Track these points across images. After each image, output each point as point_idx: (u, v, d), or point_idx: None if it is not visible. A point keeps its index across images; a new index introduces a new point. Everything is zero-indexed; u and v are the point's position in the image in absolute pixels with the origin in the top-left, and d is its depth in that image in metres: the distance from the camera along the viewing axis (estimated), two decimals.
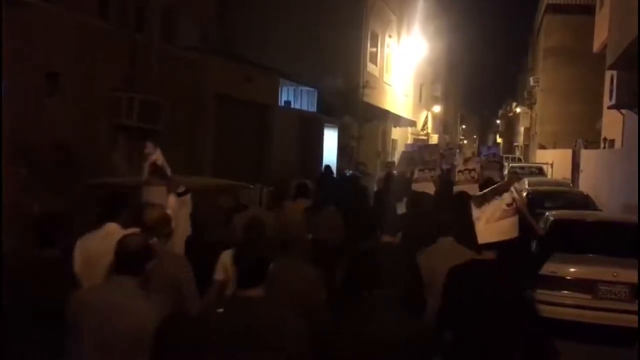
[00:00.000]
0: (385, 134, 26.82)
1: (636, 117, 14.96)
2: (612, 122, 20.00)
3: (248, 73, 13.27)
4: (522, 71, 57.10)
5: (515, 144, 59.11)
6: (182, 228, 4.93)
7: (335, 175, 13.57)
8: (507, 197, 4.01)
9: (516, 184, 6.27)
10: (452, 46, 45.15)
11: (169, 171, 5.16)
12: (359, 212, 8.09)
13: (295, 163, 16.11)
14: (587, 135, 26.66)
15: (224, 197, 6.58)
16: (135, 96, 9.12)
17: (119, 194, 5.10)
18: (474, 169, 9.06)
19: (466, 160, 9.45)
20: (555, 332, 6.87)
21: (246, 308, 2.97)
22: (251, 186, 7.98)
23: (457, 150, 20.32)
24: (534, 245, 6.32)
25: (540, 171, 24.52)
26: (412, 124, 30.30)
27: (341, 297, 3.82)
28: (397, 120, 26.67)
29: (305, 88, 19.35)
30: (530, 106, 45.07)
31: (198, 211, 5.41)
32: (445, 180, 10.11)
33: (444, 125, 46.97)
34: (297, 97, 19.49)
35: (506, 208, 3.95)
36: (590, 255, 7.46)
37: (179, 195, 5.11)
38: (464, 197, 8.23)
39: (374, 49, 23.22)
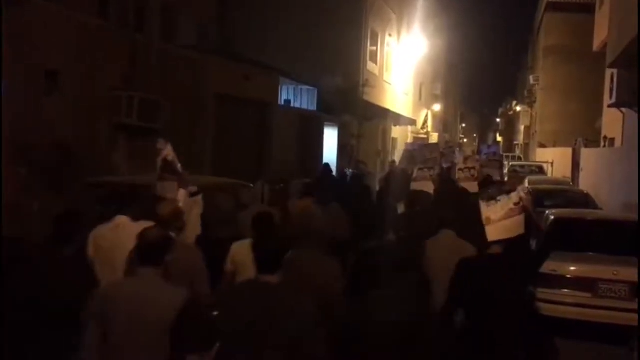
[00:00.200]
0: (386, 132, 26.79)
1: (636, 115, 14.94)
2: (612, 121, 19.99)
3: (247, 72, 13.26)
4: (522, 70, 57.06)
5: (515, 142, 59.08)
6: (194, 227, 5.09)
7: (335, 174, 13.56)
8: (514, 196, 4.34)
9: (521, 186, 6.41)
10: (452, 45, 45.11)
11: (179, 167, 5.35)
12: (362, 210, 8.17)
13: (295, 162, 16.10)
14: (587, 133, 26.65)
15: (224, 195, 6.58)
16: (135, 95, 9.12)
17: (128, 190, 5.39)
18: (473, 167, 9.35)
19: (466, 159, 9.64)
20: (556, 330, 6.89)
21: (263, 292, 3.19)
22: (251, 185, 7.99)
23: (457, 149, 20.34)
24: (534, 244, 6.35)
25: (540, 170, 24.48)
26: (412, 122, 30.26)
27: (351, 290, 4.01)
28: (397, 119, 26.63)
29: (305, 87, 19.34)
30: (531, 105, 45.03)
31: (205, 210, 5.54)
32: (446, 179, 10.19)
33: (444, 124, 46.93)
34: (297, 96, 19.48)
35: (513, 207, 4.27)
36: (591, 253, 7.46)
37: (191, 195, 5.29)
38: (465, 194, 8.43)
39: (374, 48, 23.19)
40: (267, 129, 14.79)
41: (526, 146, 47.80)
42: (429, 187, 8.55)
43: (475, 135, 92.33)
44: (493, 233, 4.26)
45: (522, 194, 4.51)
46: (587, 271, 7.07)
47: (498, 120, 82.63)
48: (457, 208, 6.07)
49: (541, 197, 12.31)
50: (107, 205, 4.99)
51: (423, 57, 31.57)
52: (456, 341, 4.06)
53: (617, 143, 19.30)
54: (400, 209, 8.70)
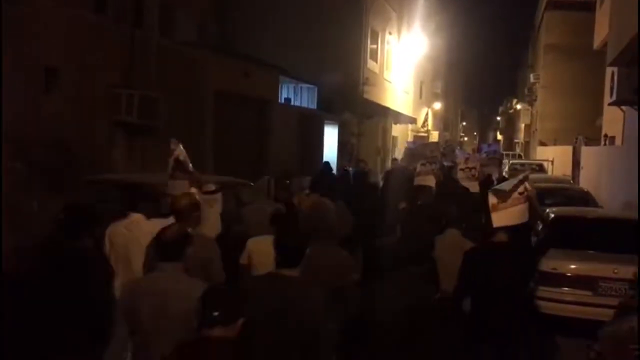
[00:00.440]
0: (386, 131, 26.77)
1: (636, 113, 14.92)
2: (612, 119, 19.97)
3: (247, 69, 13.24)
4: (523, 68, 56.99)
5: (515, 140, 59.02)
6: (213, 224, 5.20)
7: (334, 172, 13.55)
8: (520, 186, 4.72)
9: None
10: (453, 43, 45.05)
11: (190, 166, 5.47)
12: (366, 208, 8.37)
13: (295, 160, 16.08)
14: (588, 132, 26.63)
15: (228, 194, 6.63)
16: (135, 93, 9.10)
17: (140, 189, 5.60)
18: (474, 167, 9.49)
19: (467, 159, 9.90)
20: (556, 328, 6.89)
21: (282, 284, 3.37)
22: (251, 184, 8.00)
23: (458, 147, 20.35)
24: (534, 240, 6.41)
25: (540, 168, 24.46)
26: (413, 120, 30.25)
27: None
28: (397, 117, 26.62)
29: (305, 85, 19.32)
30: (531, 103, 45.01)
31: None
32: (448, 176, 10.33)
33: (444, 122, 46.92)
34: (297, 94, 19.47)
35: (518, 196, 4.66)
36: (591, 252, 7.46)
37: (210, 193, 5.44)
38: (466, 193, 8.64)
39: (374, 46, 23.17)
40: (266, 127, 14.77)
41: (526, 144, 47.78)
42: (432, 181, 8.64)
43: (475, 133, 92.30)
44: (498, 219, 4.61)
45: (528, 185, 4.81)
46: (587, 269, 7.07)
47: (498, 118, 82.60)
48: (458, 202, 6.27)
49: (541, 195, 12.27)
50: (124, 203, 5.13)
51: (423, 55, 31.55)
52: (463, 329, 4.37)
53: (618, 141, 19.29)
54: (402, 205, 8.84)
